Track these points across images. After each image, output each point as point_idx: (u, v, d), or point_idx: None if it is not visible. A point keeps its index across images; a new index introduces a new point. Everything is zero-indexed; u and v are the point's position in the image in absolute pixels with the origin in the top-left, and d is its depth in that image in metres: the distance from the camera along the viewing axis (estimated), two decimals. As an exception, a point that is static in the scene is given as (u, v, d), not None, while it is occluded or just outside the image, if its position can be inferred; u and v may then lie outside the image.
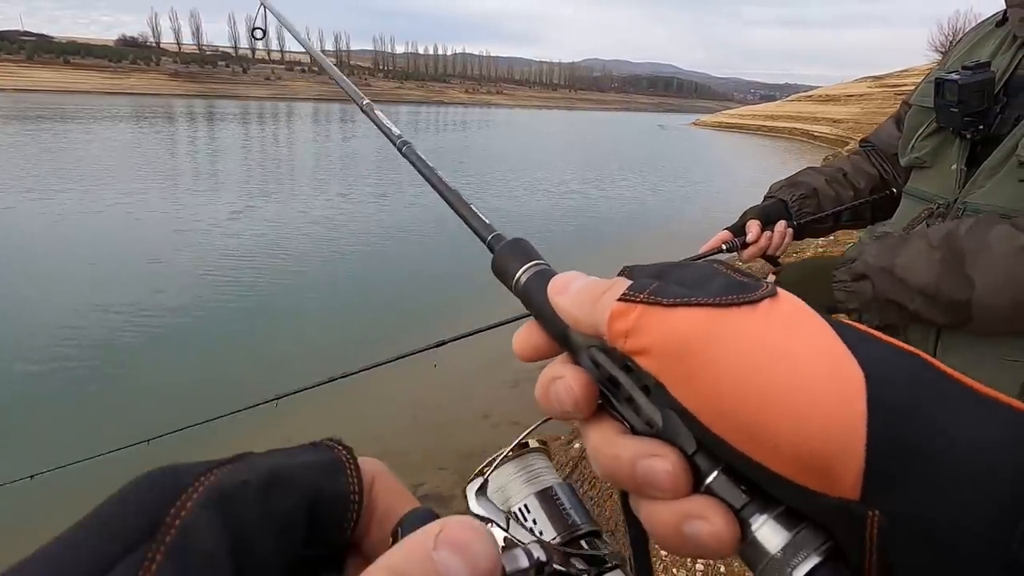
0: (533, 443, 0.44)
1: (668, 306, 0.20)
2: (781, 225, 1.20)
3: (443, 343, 1.26)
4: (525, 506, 0.40)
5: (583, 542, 0.39)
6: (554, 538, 0.38)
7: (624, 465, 0.21)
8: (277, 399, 1.48)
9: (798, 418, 0.18)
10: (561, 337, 0.26)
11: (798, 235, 1.23)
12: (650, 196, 14.85)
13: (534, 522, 0.39)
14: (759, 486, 0.19)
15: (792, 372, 0.18)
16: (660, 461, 0.20)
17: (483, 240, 0.35)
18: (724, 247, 1.20)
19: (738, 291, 0.20)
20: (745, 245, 1.19)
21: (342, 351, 4.82)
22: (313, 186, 13.42)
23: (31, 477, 1.69)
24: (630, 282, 0.22)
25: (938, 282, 0.85)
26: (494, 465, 0.43)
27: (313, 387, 1.43)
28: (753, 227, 1.19)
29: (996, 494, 0.16)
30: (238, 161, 17.86)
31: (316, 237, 8.84)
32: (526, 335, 0.27)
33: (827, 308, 1.00)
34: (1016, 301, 0.80)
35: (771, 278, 1.10)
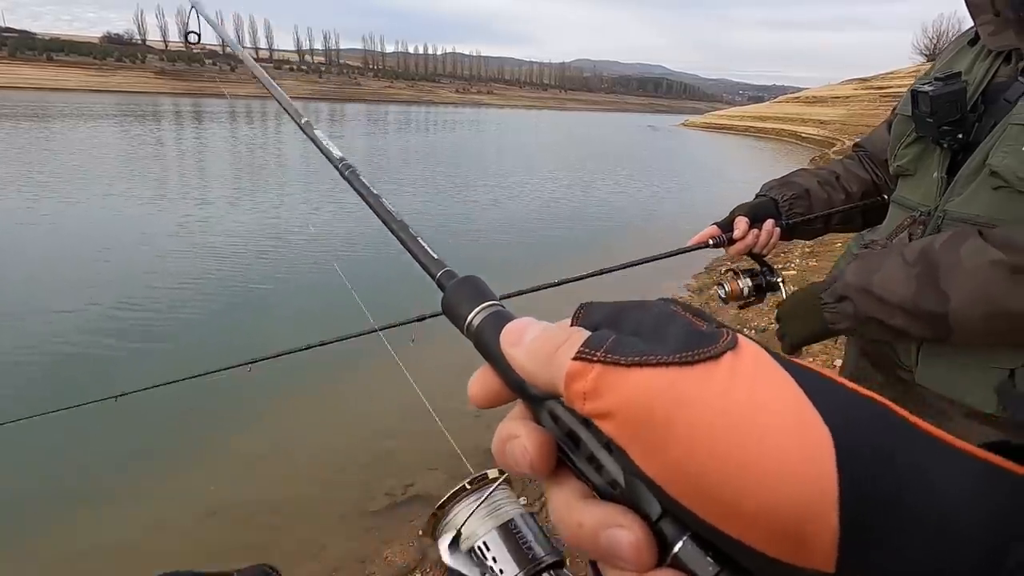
0: (493, 474, 0.44)
1: (627, 365, 0.19)
2: (769, 224, 1.20)
3: (423, 318, 1.25)
4: (484, 543, 0.40)
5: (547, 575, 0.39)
6: (516, 574, 0.38)
7: (587, 534, 0.21)
8: (252, 363, 1.45)
9: (765, 486, 0.17)
10: (517, 387, 0.24)
11: (787, 235, 1.24)
12: (641, 196, 14.88)
13: (494, 560, 0.39)
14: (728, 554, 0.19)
15: (757, 437, 0.17)
16: (624, 532, 0.20)
17: (432, 277, 0.32)
18: (711, 242, 1.20)
19: (698, 343, 0.19)
20: (732, 241, 1.19)
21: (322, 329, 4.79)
22: (299, 186, 13.30)
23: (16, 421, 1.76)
24: (587, 334, 0.21)
25: (915, 298, 0.87)
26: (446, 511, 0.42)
27: (288, 353, 1.41)
28: (741, 223, 1.19)
29: (973, 546, 0.16)
30: (223, 160, 17.66)
31: (306, 236, 8.77)
32: (482, 381, 0.26)
33: (821, 330, 1.02)
34: (989, 314, 0.82)
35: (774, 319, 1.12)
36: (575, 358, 0.20)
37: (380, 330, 1.18)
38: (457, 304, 0.28)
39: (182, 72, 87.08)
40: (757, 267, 1.24)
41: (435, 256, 0.34)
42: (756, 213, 1.21)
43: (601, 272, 1.22)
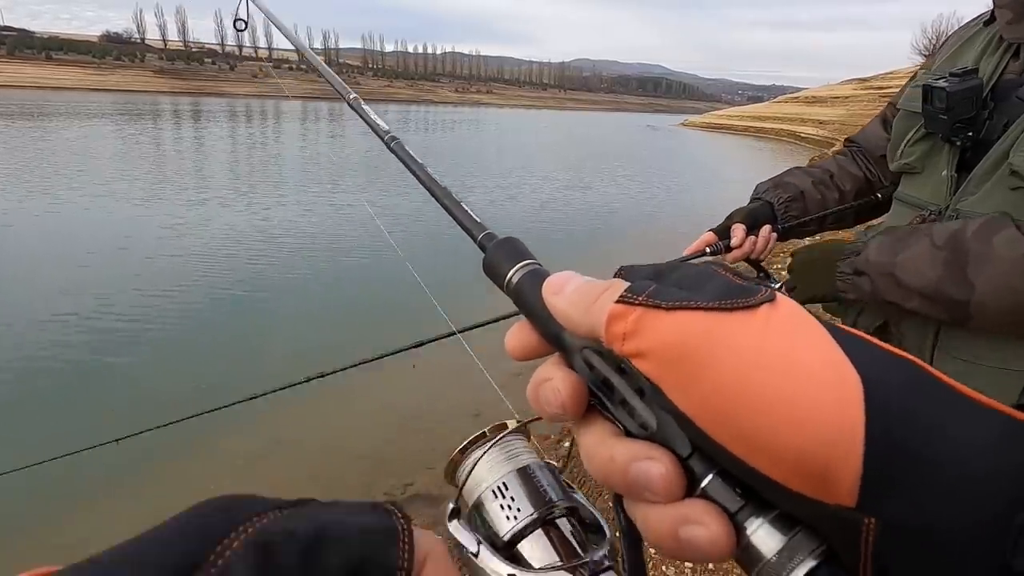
0: (512, 424, 0.45)
1: (667, 309, 0.20)
2: (766, 230, 1.20)
3: (422, 344, 1.24)
4: (504, 483, 0.41)
5: (564, 520, 0.40)
6: (531, 514, 0.39)
7: (618, 467, 0.21)
8: (253, 398, 1.45)
9: (796, 424, 0.18)
10: (554, 338, 0.25)
11: (783, 238, 1.23)
12: (641, 198, 14.89)
13: (512, 499, 0.40)
14: (754, 489, 0.19)
15: (791, 378, 0.18)
16: (654, 464, 0.20)
17: (474, 239, 0.34)
18: (708, 250, 1.20)
19: (737, 295, 0.20)
20: (729, 248, 1.19)
21: (323, 353, 4.79)
22: (294, 187, 13.29)
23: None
24: (628, 283, 0.22)
25: (937, 283, 0.85)
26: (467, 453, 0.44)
27: (289, 387, 1.40)
28: (738, 231, 1.18)
29: (990, 498, 0.16)
30: (220, 160, 17.63)
31: (295, 240, 8.76)
32: (518, 335, 0.27)
33: (830, 294, 1.01)
34: (1014, 308, 0.80)
35: (787, 261, 1.11)
36: (618, 301, 0.21)
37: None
38: (498, 263, 0.30)
39: (181, 71, 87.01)
40: (755, 272, 1.24)
41: (477, 220, 0.36)
42: (753, 219, 1.21)
43: None
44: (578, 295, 0.24)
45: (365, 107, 0.58)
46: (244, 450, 3.67)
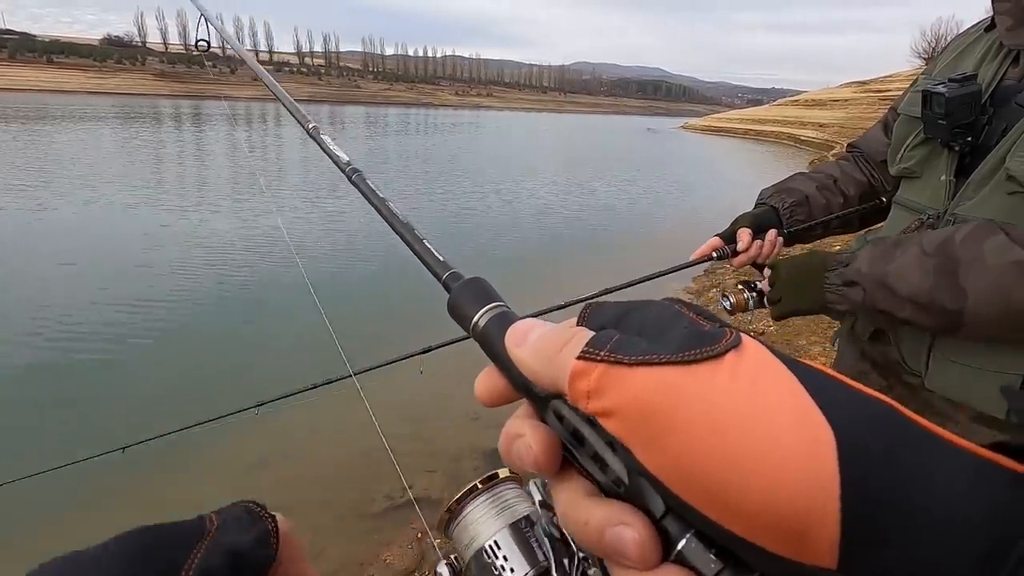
0: (504, 473, 0.44)
1: (630, 364, 0.20)
2: (772, 234, 1.19)
3: (430, 349, 1.24)
4: (495, 543, 0.40)
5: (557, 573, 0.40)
6: (526, 574, 0.38)
7: (592, 532, 0.21)
8: (259, 405, 1.47)
9: (768, 483, 0.17)
10: (522, 387, 0.24)
11: (789, 242, 1.24)
12: (644, 203, 14.89)
13: (504, 559, 0.39)
14: (732, 550, 0.19)
15: (759, 434, 0.18)
16: (628, 530, 0.20)
17: (438, 278, 0.33)
18: (715, 254, 1.20)
19: (700, 343, 0.20)
20: (735, 253, 1.19)
21: (326, 359, 4.77)
22: (299, 190, 13.30)
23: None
24: (590, 334, 0.21)
25: (930, 291, 0.85)
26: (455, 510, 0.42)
27: (296, 394, 1.42)
28: (744, 235, 1.18)
29: (972, 545, 0.16)
30: (215, 164, 17.64)
31: (302, 246, 8.76)
32: (487, 381, 0.26)
33: (815, 306, 1.01)
34: (1006, 313, 0.81)
35: (767, 272, 1.11)
36: (579, 357, 0.21)
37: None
38: (463, 305, 0.28)
39: (181, 74, 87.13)
40: (760, 274, 1.24)
41: (441, 258, 0.34)
42: (759, 223, 1.21)
43: (606, 292, 1.22)
44: (539, 346, 0.23)
45: (324, 137, 0.55)
46: (243, 455, 3.66)
